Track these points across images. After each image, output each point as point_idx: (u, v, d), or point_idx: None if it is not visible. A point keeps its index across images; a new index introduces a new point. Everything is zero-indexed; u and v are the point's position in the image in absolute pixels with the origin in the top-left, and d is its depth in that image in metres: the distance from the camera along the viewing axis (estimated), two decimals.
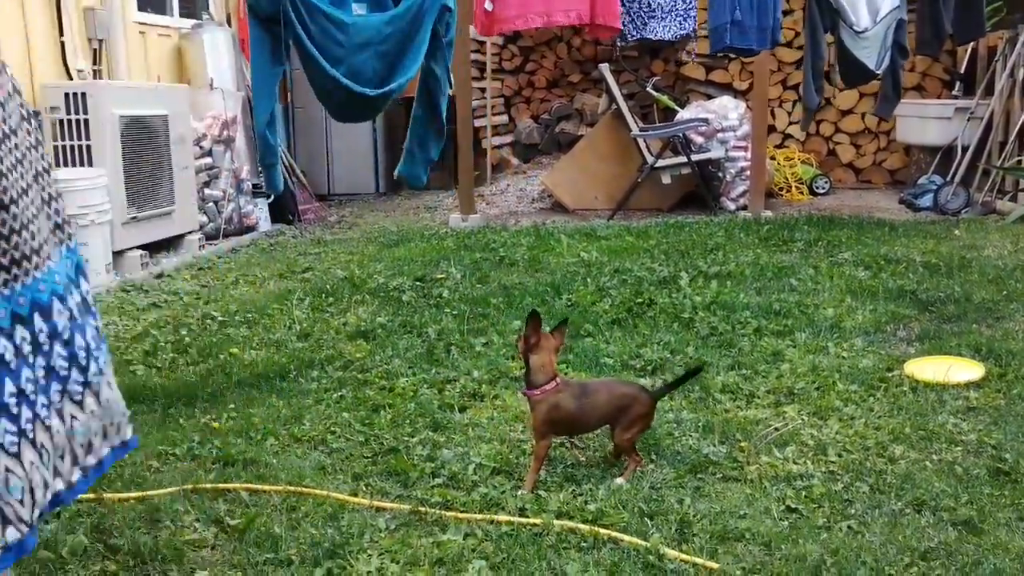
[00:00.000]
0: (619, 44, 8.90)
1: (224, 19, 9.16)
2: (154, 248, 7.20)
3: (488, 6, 7.56)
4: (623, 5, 8.10)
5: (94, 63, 7.26)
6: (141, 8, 8.09)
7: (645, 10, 7.97)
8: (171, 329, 5.10)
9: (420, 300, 5.52)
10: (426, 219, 9.13)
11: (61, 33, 6.94)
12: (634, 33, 8.14)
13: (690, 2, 8.15)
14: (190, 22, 8.72)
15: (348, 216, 9.56)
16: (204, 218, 7.95)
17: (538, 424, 3.09)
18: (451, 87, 4.61)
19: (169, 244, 7.47)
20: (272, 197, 8.66)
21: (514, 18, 7.64)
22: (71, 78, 6.97)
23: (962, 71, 9.51)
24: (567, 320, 3.37)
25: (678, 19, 7.96)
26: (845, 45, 6.27)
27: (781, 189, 9.58)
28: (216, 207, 8.07)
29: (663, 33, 8.07)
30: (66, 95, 6.54)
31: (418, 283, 5.90)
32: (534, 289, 5.61)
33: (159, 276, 6.59)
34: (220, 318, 5.26)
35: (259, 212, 8.54)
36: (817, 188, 9.64)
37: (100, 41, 7.31)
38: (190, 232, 7.61)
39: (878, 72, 6.38)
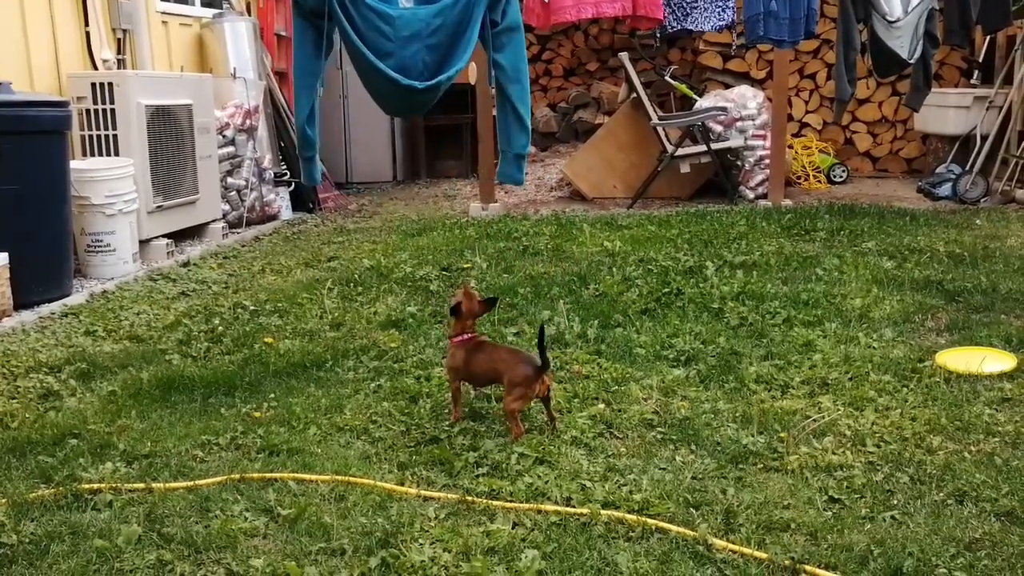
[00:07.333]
0: (656, 35, 8.78)
1: (244, 8, 9.16)
2: (178, 237, 7.25)
3: None
4: None
5: (118, 53, 7.29)
6: None
7: (688, 1, 7.87)
8: (203, 318, 5.14)
9: (448, 290, 5.55)
10: (445, 208, 9.15)
11: (86, 23, 6.96)
12: (675, 24, 8.04)
13: None
14: (211, 11, 8.73)
15: (368, 205, 9.59)
16: (227, 207, 7.99)
17: (446, 368, 3.81)
18: (527, 74, 4.46)
19: (193, 233, 7.52)
20: (292, 186, 8.71)
21: (569, 9, 7.60)
22: (96, 68, 7.00)
23: (980, 60, 9.49)
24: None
25: (717, 10, 7.87)
26: (878, 35, 6.26)
27: (799, 178, 9.59)
28: (239, 196, 8.11)
29: (703, 24, 7.98)
30: (93, 85, 6.57)
31: (444, 272, 5.95)
32: (560, 279, 5.64)
33: (185, 265, 6.63)
34: (251, 307, 5.31)
35: (281, 201, 8.58)
36: (835, 177, 9.65)
37: (124, 31, 7.33)
38: (214, 220, 7.66)
39: (910, 62, 6.38)
